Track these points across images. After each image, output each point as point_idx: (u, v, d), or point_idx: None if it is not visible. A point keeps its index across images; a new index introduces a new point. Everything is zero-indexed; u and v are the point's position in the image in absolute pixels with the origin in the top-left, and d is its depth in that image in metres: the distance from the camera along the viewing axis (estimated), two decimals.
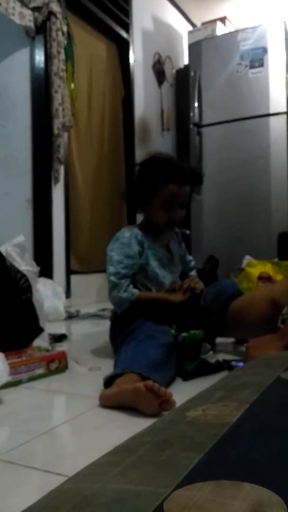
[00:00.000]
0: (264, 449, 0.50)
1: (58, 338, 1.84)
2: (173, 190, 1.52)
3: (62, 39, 2.82)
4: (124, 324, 1.46)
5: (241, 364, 1.30)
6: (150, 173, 1.54)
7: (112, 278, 1.50)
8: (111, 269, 1.51)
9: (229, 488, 0.40)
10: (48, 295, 2.34)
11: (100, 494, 0.40)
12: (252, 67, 3.62)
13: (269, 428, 0.56)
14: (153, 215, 1.58)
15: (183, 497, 0.38)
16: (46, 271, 2.70)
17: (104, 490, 0.41)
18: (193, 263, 1.82)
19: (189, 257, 1.81)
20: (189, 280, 1.62)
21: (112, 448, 0.55)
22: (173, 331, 1.37)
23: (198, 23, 4.68)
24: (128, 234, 1.55)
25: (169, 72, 4.45)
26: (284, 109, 3.54)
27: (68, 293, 2.97)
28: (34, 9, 2.71)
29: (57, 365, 1.37)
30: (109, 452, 0.54)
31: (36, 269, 1.82)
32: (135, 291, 1.51)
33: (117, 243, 1.54)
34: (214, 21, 4.27)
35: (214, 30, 4.16)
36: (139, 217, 1.74)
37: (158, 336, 1.30)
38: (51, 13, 2.73)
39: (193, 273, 1.79)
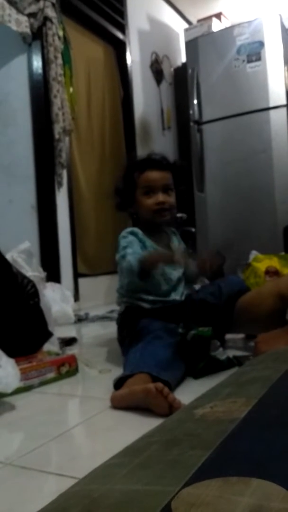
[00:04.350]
0: (272, 444, 0.50)
1: (68, 342, 1.85)
2: (150, 176, 1.57)
3: (59, 44, 2.83)
4: (131, 324, 1.46)
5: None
6: (128, 172, 1.62)
7: (121, 253, 1.48)
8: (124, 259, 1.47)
9: (236, 484, 0.41)
10: (56, 299, 2.35)
11: (108, 496, 0.40)
12: (249, 61, 3.61)
13: (277, 423, 0.56)
14: (141, 208, 1.59)
15: (191, 495, 0.39)
16: (54, 276, 2.71)
17: (112, 491, 0.41)
18: None
19: None
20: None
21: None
22: (180, 330, 1.37)
23: (194, 20, 4.68)
24: (128, 235, 1.55)
25: (167, 71, 4.44)
26: (284, 102, 3.52)
27: (76, 297, 2.98)
28: (30, 15, 2.72)
29: (67, 368, 1.38)
30: (118, 453, 0.54)
31: (43, 274, 1.83)
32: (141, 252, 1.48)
33: (123, 249, 1.51)
34: (209, 18, 4.27)
35: (210, 26, 4.15)
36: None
37: (165, 336, 1.31)
38: (46, 19, 2.74)
39: None
